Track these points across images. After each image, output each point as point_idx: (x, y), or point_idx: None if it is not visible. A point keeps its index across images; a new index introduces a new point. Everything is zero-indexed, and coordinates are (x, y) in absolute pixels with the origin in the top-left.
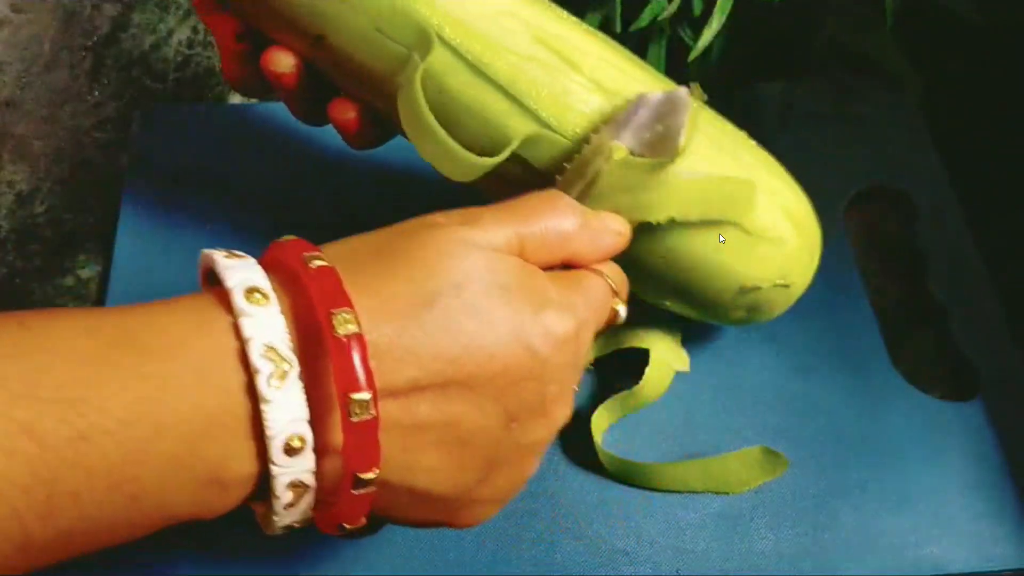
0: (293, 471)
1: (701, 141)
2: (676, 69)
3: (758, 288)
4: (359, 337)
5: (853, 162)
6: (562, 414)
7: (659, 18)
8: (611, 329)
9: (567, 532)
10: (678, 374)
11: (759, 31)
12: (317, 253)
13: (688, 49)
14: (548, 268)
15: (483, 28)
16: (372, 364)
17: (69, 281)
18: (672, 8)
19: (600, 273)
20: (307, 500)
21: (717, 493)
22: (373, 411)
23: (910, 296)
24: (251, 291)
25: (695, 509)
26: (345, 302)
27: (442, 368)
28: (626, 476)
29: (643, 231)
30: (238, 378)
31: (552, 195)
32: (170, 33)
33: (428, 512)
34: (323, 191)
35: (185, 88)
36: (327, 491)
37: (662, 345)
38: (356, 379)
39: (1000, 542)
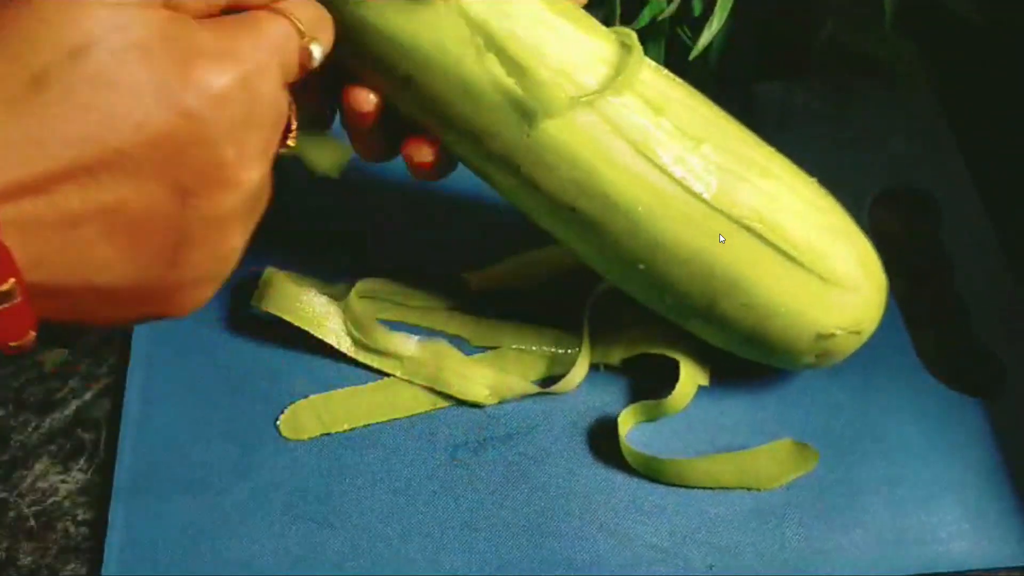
0: None
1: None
2: (676, 69)
3: (833, 336)
4: None
5: (872, 162)
6: (251, 176)
7: (659, 18)
8: (637, 331)
9: (600, 528)
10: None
11: (759, 31)
12: None
13: (688, 49)
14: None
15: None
16: None
17: None
18: (671, 8)
19: (278, 12)
20: None
21: (747, 489)
22: None
23: (935, 294)
24: None
25: (727, 505)
26: None
27: (79, 152)
28: (655, 473)
29: (715, 282)
30: None
31: None
32: None
33: (129, 307)
34: (348, 190)
35: None
36: None
37: (690, 357)
38: None
39: None
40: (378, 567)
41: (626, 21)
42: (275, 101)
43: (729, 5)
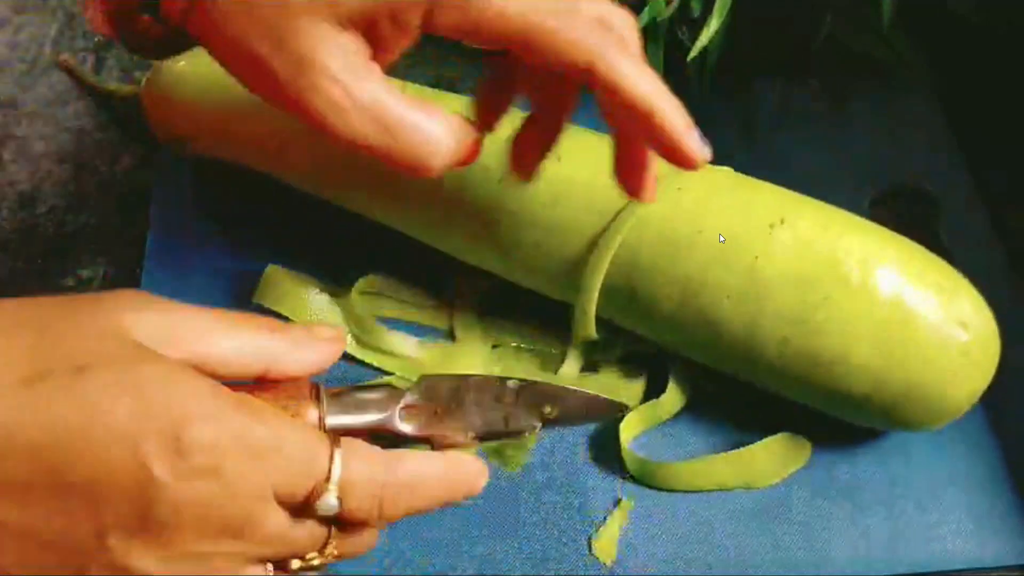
0: None
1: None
2: (675, 69)
3: None
4: None
5: (872, 162)
6: (186, 549)
7: (658, 19)
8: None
9: (599, 528)
10: (703, 375)
11: (758, 31)
12: None
13: (687, 49)
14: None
15: None
16: None
17: (70, 281)
18: (671, 9)
19: (316, 439)
20: None
21: (746, 488)
22: None
23: None
24: None
25: (724, 506)
26: None
27: (30, 466)
28: (652, 478)
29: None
30: None
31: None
32: None
33: None
34: None
35: None
36: None
37: (681, 364)
38: None
39: None
40: (376, 566)
41: None
42: (251, 511)
43: (728, 5)
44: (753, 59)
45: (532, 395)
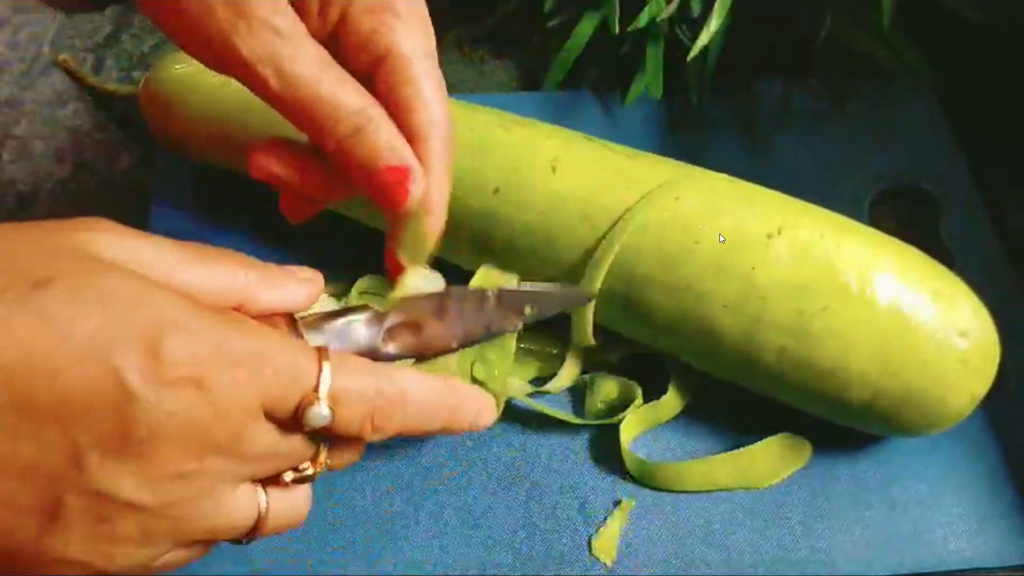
0: None
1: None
2: (675, 69)
3: None
4: None
5: (872, 162)
6: (169, 467)
7: (658, 19)
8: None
9: (599, 528)
10: (704, 377)
11: (758, 31)
12: None
13: (687, 49)
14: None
15: None
16: None
17: None
18: (671, 9)
19: (302, 348)
20: None
21: (746, 489)
22: None
23: None
24: None
25: (724, 506)
26: None
27: None
28: (652, 478)
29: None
30: None
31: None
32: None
33: None
34: None
35: None
36: None
37: (681, 368)
38: None
39: None
40: (378, 566)
41: (625, 22)
42: (238, 426)
43: (728, 5)
44: (753, 59)
45: (511, 299)
